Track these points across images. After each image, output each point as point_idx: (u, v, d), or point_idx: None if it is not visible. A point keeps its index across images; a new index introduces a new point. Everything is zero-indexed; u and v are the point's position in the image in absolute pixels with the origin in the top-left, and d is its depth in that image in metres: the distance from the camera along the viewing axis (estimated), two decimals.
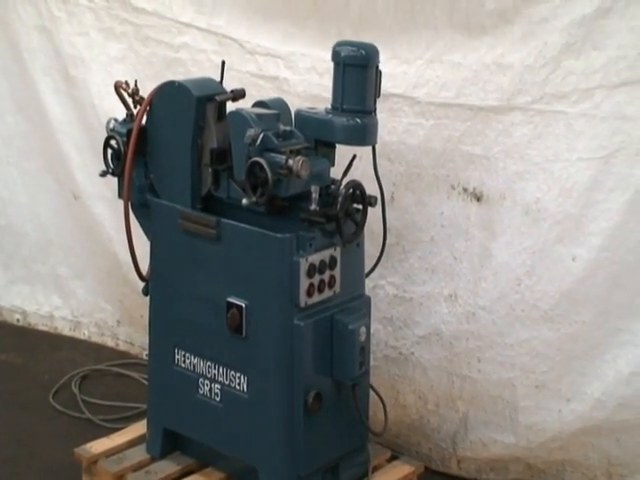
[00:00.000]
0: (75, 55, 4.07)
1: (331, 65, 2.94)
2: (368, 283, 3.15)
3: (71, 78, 4.10)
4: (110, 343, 4.39)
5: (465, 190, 3.26)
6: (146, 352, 3.67)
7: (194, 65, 3.70)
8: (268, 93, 3.41)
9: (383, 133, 3.18)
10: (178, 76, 3.12)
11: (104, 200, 4.11)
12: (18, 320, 4.58)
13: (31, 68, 4.22)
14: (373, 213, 3.03)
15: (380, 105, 3.01)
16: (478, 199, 3.24)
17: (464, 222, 3.28)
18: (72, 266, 4.43)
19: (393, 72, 3.24)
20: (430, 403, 3.44)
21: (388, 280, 3.44)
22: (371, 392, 3.15)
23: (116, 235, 4.08)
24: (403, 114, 3.30)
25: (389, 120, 3.28)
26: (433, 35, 3.22)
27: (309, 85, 3.45)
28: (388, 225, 3.18)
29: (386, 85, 3.12)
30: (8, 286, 4.59)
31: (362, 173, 3.09)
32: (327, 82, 3.04)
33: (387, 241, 3.19)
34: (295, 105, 3.07)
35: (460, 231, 3.29)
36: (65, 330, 4.50)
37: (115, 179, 3.20)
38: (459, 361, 3.34)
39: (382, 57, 2.95)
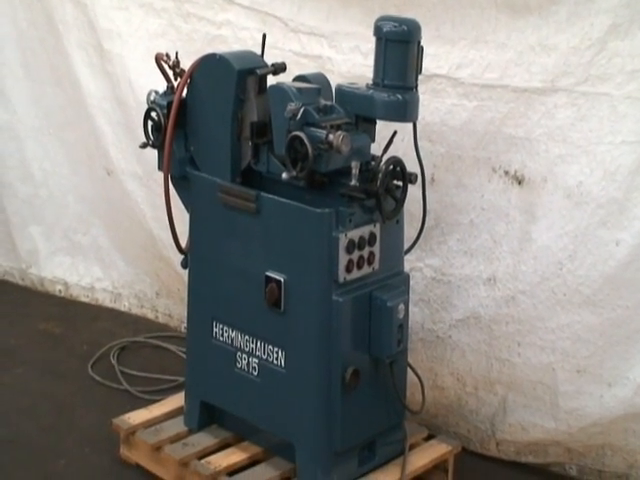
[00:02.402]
0: (112, 29, 4.06)
1: None
2: (405, 265, 3.14)
3: (105, 52, 4.10)
4: (150, 315, 4.41)
5: (506, 173, 3.24)
6: (184, 325, 3.69)
7: (236, 42, 3.69)
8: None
9: (425, 114, 3.18)
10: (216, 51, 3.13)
11: (137, 177, 4.13)
12: (60, 291, 4.62)
13: (66, 41, 4.23)
14: (411, 195, 3.01)
15: (423, 86, 3.00)
16: (519, 182, 3.22)
17: (505, 205, 3.26)
18: (112, 238, 4.46)
19: (437, 52, 3.23)
20: (468, 385, 3.42)
21: (426, 262, 3.43)
22: (409, 372, 3.15)
23: (150, 212, 4.11)
24: (446, 95, 3.28)
25: (432, 101, 3.26)
26: (478, 15, 3.19)
27: (353, 65, 3.44)
28: (427, 207, 3.16)
29: (429, 65, 3.11)
30: (50, 257, 4.62)
31: (403, 153, 3.06)
32: (371, 62, 3.02)
33: (426, 223, 3.18)
34: None
35: (500, 214, 3.27)
36: (106, 302, 4.53)
37: (149, 156, 3.21)
38: (498, 345, 3.32)
39: (426, 37, 2.93)
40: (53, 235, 4.60)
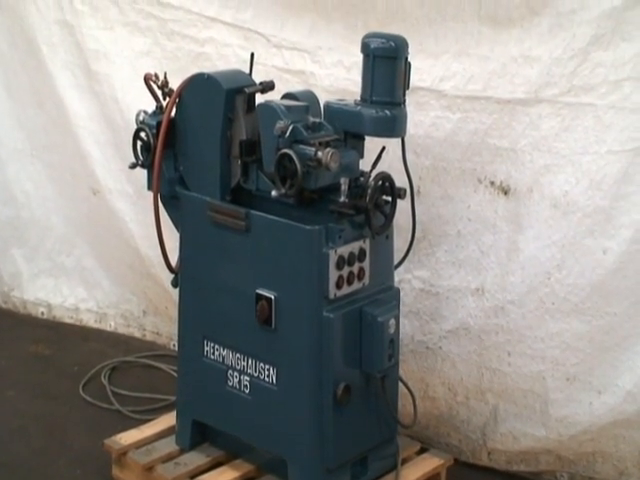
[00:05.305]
0: (98, 50, 4.08)
1: (358, 59, 2.94)
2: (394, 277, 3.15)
3: (93, 73, 4.11)
4: (137, 334, 4.40)
5: (492, 183, 3.26)
6: (173, 342, 3.69)
7: (220, 59, 3.71)
8: (294, 87, 3.39)
9: (409, 126, 3.16)
10: (204, 70, 3.13)
11: (125, 195, 4.13)
12: (42, 313, 4.59)
13: (50, 62, 4.23)
14: (399, 207, 3.02)
15: (407, 98, 3.00)
16: (505, 192, 3.24)
17: (491, 216, 3.27)
18: (97, 258, 4.45)
19: (420, 65, 3.23)
20: (459, 395, 3.43)
21: (415, 274, 3.44)
22: (400, 384, 3.15)
23: (138, 230, 4.11)
24: (430, 107, 3.29)
25: (415, 113, 3.26)
26: (460, 28, 3.22)
27: (336, 79, 3.45)
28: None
29: (413, 78, 3.10)
30: (32, 279, 4.59)
31: (389, 166, 3.07)
32: (354, 76, 3.05)
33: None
34: (322, 99, 3.07)
35: (487, 225, 3.29)
36: (91, 322, 4.51)
37: (138, 174, 3.21)
38: (489, 354, 3.33)
39: (409, 50, 2.94)
40: (36, 257, 4.58)
